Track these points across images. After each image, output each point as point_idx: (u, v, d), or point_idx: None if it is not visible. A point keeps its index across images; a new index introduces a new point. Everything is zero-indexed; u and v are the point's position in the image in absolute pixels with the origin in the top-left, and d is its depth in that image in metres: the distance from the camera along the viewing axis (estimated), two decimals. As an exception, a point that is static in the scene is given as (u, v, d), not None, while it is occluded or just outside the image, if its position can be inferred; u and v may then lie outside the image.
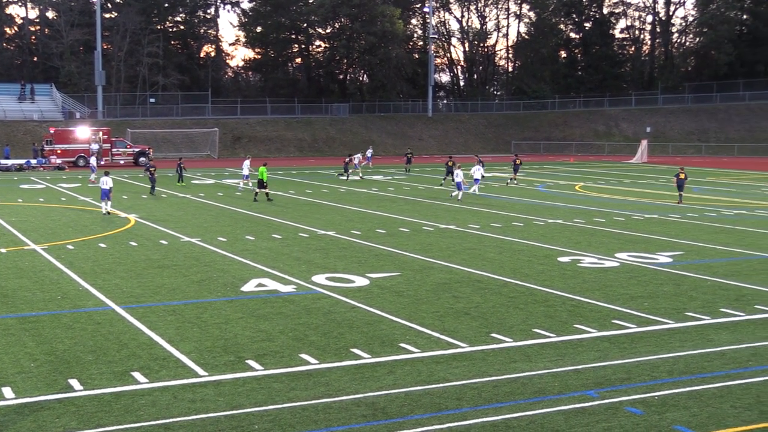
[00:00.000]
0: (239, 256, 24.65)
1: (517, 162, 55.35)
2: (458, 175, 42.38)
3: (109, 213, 35.30)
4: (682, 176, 40.84)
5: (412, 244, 27.03)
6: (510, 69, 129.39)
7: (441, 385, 12.99)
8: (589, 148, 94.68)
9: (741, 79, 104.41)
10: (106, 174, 36.33)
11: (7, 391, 12.58)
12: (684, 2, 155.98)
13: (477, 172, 44.42)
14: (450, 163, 50.44)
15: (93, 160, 56.19)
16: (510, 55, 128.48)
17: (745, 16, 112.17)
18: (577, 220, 33.57)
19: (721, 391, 12.74)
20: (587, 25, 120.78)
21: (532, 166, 73.48)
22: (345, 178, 55.23)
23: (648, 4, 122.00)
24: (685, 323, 16.90)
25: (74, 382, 13.01)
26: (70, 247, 26.49)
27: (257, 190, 42.16)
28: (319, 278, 21.34)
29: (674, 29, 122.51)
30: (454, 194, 42.46)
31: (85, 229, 30.70)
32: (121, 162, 71.36)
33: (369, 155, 73.51)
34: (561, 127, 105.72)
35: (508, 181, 52.76)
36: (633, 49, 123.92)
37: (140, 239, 28.13)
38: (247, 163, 49.06)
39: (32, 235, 28.89)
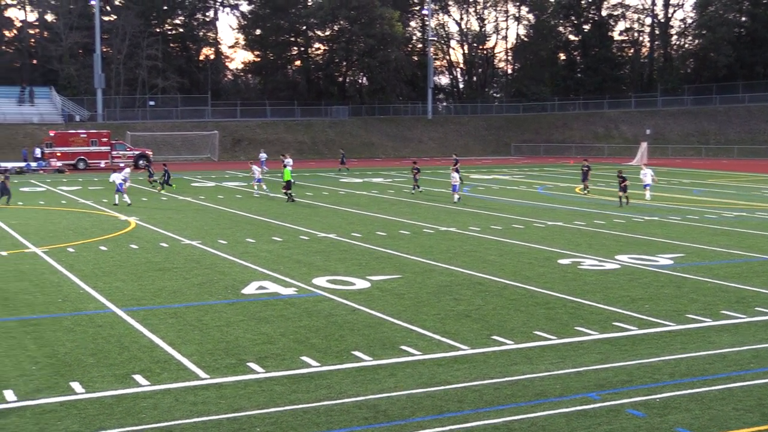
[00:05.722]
0: (240, 259, 24.64)
1: (585, 168, 48.36)
2: (454, 177, 42.20)
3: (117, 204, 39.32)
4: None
5: (412, 247, 27.03)
6: (509, 71, 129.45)
7: (442, 387, 12.99)
8: (589, 150, 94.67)
9: (740, 80, 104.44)
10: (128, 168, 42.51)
11: (9, 394, 12.58)
12: (683, 4, 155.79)
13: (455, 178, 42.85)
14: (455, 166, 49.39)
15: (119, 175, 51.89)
16: (509, 58, 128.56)
17: (743, 18, 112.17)
18: (577, 222, 33.57)
19: (723, 393, 12.73)
20: (586, 27, 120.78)
21: (532, 168, 73.55)
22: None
23: (647, 6, 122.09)
24: (687, 325, 16.89)
25: (76, 385, 13.00)
26: (71, 249, 26.49)
27: (285, 191, 42.42)
28: (320, 281, 21.34)
29: (673, 31, 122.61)
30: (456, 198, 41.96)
31: (85, 232, 30.70)
32: (121, 165, 71.33)
33: (263, 159, 65.19)
34: (560, 129, 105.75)
35: (585, 191, 47.62)
36: (632, 51, 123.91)
37: (141, 242, 28.13)
38: (256, 168, 47.87)
39: (33, 238, 28.89)
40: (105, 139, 72.99)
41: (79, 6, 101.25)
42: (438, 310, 18.10)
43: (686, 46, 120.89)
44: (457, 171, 43.90)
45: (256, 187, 46.81)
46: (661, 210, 38.26)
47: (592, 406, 12.15)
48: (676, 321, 17.22)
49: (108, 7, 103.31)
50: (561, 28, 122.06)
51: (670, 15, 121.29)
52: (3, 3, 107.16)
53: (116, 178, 40.82)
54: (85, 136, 72.67)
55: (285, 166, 44.75)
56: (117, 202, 40.00)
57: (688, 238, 29.07)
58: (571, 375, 13.62)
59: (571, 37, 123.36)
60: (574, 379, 13.43)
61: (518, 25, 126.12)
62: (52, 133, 72.31)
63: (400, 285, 20.89)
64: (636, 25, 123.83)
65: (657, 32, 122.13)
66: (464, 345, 15.37)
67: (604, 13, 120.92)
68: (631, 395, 12.60)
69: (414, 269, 23.08)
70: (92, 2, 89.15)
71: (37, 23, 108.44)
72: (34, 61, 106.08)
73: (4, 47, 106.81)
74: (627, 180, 40.66)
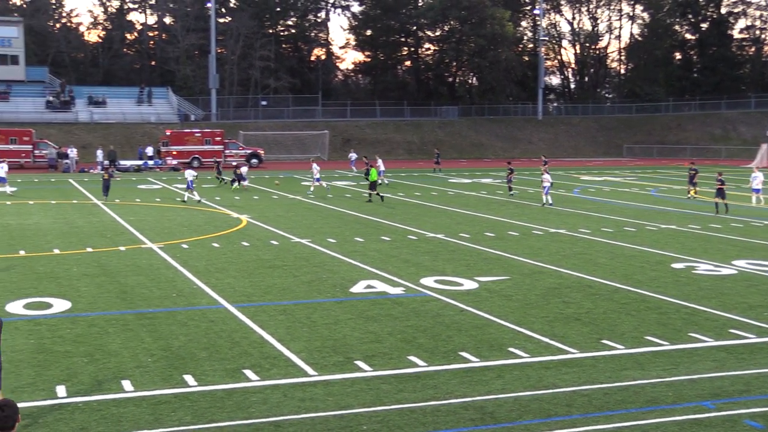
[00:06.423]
0: (348, 258, 24.85)
1: (692, 171, 45.79)
2: (546, 179, 40.68)
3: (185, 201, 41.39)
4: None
5: (521, 248, 26.76)
6: (622, 71, 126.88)
7: (550, 390, 12.81)
8: (705, 152, 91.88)
9: None
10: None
11: (127, 384, 13.00)
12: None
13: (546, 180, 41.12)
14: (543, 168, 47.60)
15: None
16: (622, 57, 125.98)
17: None
18: (691, 226, 32.64)
19: None
20: (704, 25, 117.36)
21: (645, 170, 71.92)
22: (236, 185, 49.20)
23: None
24: (808, 334, 16.22)
25: (189, 378, 13.34)
26: (185, 246, 27.19)
27: (370, 192, 42.45)
28: (428, 281, 21.33)
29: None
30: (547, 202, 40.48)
31: (198, 229, 31.48)
32: (233, 163, 72.95)
33: (352, 159, 68.40)
34: (675, 131, 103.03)
35: (690, 196, 45.08)
36: (753, 49, 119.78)
37: (252, 239, 28.67)
38: (316, 166, 48.00)
39: (149, 234, 29.79)
40: (218, 138, 74.70)
41: (196, 9, 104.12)
42: (546, 313, 17.87)
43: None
44: (547, 172, 42.19)
45: (312, 188, 46.63)
46: (782, 214, 36.85)
47: (706, 415, 11.78)
48: (797, 330, 16.55)
49: (223, 9, 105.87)
50: (677, 27, 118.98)
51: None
52: (125, 7, 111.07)
53: (189, 174, 43.08)
54: (199, 135, 74.51)
55: (372, 167, 44.77)
56: (199, 197, 41.85)
57: (810, 244, 27.91)
58: (684, 382, 13.25)
59: (688, 36, 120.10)
60: (687, 386, 13.06)
61: (632, 24, 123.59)
62: (168, 132, 74.43)
63: (509, 286, 20.71)
64: (758, 23, 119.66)
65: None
66: (573, 348, 15.13)
67: (723, 10, 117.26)
68: (748, 405, 12.17)
69: (522, 271, 22.85)
70: (208, 4, 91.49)
71: (156, 26, 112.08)
72: (153, 63, 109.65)
73: (125, 49, 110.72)
74: (724, 184, 38.05)
